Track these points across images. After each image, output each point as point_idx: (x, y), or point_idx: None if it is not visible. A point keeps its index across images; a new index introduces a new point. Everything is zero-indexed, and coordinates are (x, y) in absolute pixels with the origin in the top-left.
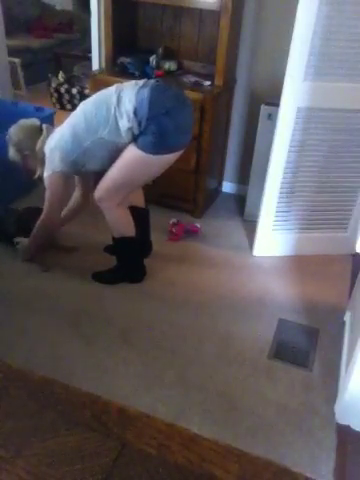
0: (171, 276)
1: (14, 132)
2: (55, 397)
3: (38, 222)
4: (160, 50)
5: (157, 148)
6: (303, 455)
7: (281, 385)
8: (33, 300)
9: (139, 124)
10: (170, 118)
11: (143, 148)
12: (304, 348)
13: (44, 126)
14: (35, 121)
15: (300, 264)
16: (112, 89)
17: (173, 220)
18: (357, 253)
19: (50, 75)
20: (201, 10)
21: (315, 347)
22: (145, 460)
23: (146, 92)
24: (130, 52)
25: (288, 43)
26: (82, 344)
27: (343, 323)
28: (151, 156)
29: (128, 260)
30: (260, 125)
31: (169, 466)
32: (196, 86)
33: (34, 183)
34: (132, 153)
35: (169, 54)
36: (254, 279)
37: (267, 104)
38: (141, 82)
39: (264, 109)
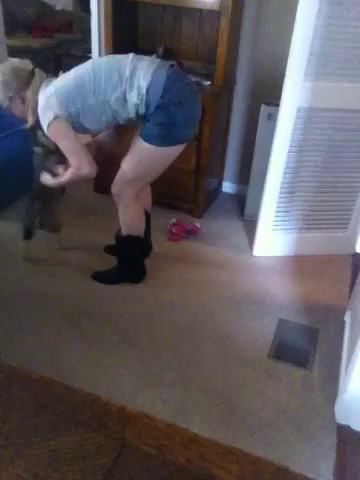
0: (171, 276)
1: (1, 70)
2: (55, 397)
3: (68, 174)
4: (160, 50)
5: (163, 140)
6: (303, 455)
7: (281, 385)
8: (33, 300)
9: (147, 106)
10: (181, 109)
11: (148, 140)
12: (304, 348)
13: (36, 70)
14: (28, 63)
15: (300, 264)
16: (128, 58)
17: (173, 220)
18: (357, 253)
19: (50, 75)
20: (201, 10)
21: (315, 347)
22: (145, 460)
23: (163, 75)
24: (130, 52)
25: (288, 43)
26: (82, 344)
27: (343, 323)
28: (157, 148)
29: (130, 260)
30: (260, 125)
31: (169, 466)
32: (196, 86)
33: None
34: (139, 147)
35: (169, 54)
36: (254, 279)
37: (267, 104)
38: (157, 61)
39: (264, 109)
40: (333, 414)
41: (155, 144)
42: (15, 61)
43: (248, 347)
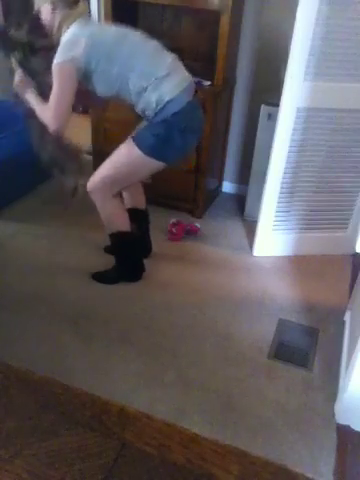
0: (171, 276)
1: None
2: (55, 397)
3: (39, 108)
4: None
5: (152, 150)
6: (303, 455)
7: (281, 385)
8: (33, 300)
9: (156, 113)
10: (181, 135)
11: (139, 145)
12: (304, 348)
13: (81, 2)
14: None
15: (300, 264)
16: (169, 58)
17: (173, 220)
18: (357, 253)
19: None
20: (201, 10)
21: (315, 347)
22: (145, 460)
23: (185, 99)
24: None
25: (288, 43)
26: (82, 344)
27: (343, 323)
28: (143, 156)
29: (126, 257)
30: (260, 125)
31: (169, 466)
32: (196, 86)
33: (36, 182)
34: (126, 148)
35: None
36: (254, 279)
37: (267, 104)
38: (189, 80)
39: (264, 109)
40: (333, 414)
41: (143, 152)
42: None
43: (248, 347)
